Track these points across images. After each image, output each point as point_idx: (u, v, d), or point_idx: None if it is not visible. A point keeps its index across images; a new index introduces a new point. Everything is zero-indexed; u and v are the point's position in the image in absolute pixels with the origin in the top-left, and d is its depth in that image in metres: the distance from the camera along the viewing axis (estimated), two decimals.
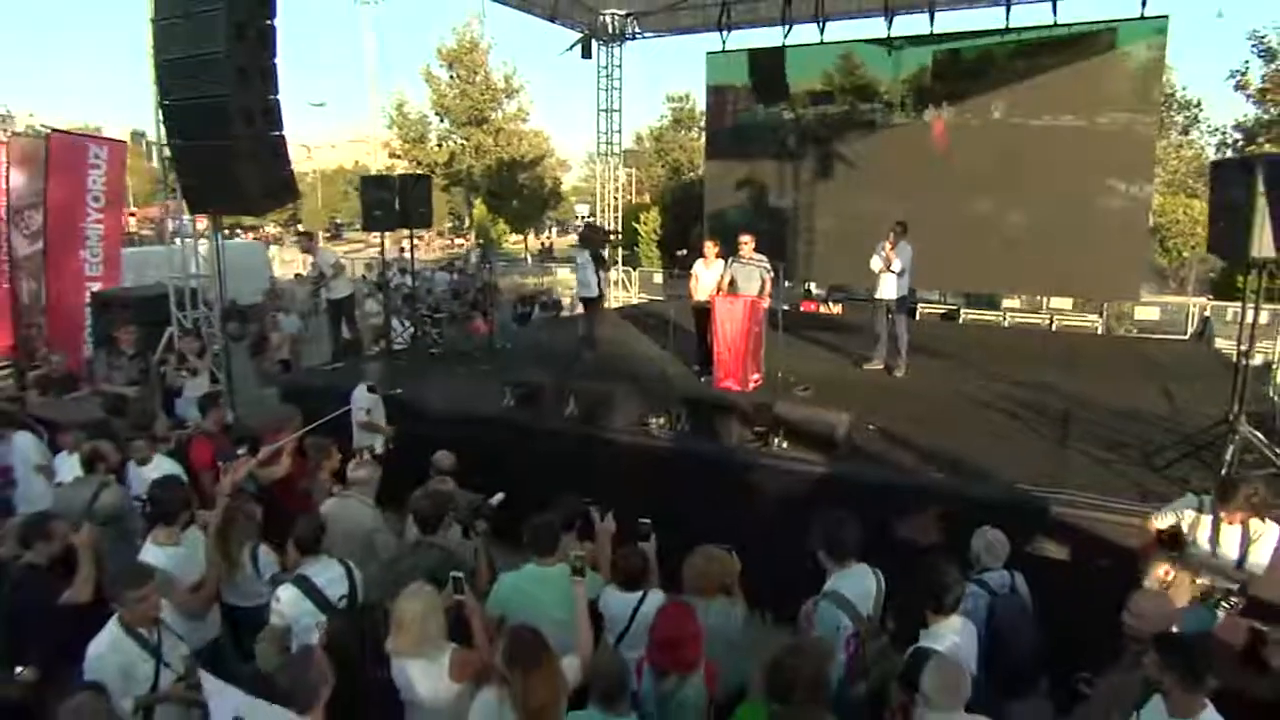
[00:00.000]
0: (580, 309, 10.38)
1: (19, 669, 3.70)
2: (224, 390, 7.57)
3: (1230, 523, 3.85)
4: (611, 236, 10.13)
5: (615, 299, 16.73)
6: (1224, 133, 20.35)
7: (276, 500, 5.33)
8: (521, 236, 34.34)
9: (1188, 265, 21.12)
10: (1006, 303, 15.44)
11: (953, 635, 3.32)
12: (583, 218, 66.87)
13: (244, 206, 8.82)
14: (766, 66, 13.54)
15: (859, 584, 3.79)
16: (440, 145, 27.92)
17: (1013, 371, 8.78)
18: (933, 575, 3.43)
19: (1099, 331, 14.29)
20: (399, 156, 28.29)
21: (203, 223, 9.66)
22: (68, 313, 11.28)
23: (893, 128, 12.83)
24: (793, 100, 13.55)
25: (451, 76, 27.35)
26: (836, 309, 14.90)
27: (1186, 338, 13.93)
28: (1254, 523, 3.83)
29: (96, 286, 11.49)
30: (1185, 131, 21.42)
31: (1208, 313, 14.57)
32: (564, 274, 25.10)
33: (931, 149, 12.41)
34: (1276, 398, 7.43)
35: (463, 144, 27.60)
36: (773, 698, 3.08)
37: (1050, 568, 4.77)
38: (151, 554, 4.13)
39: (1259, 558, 3.76)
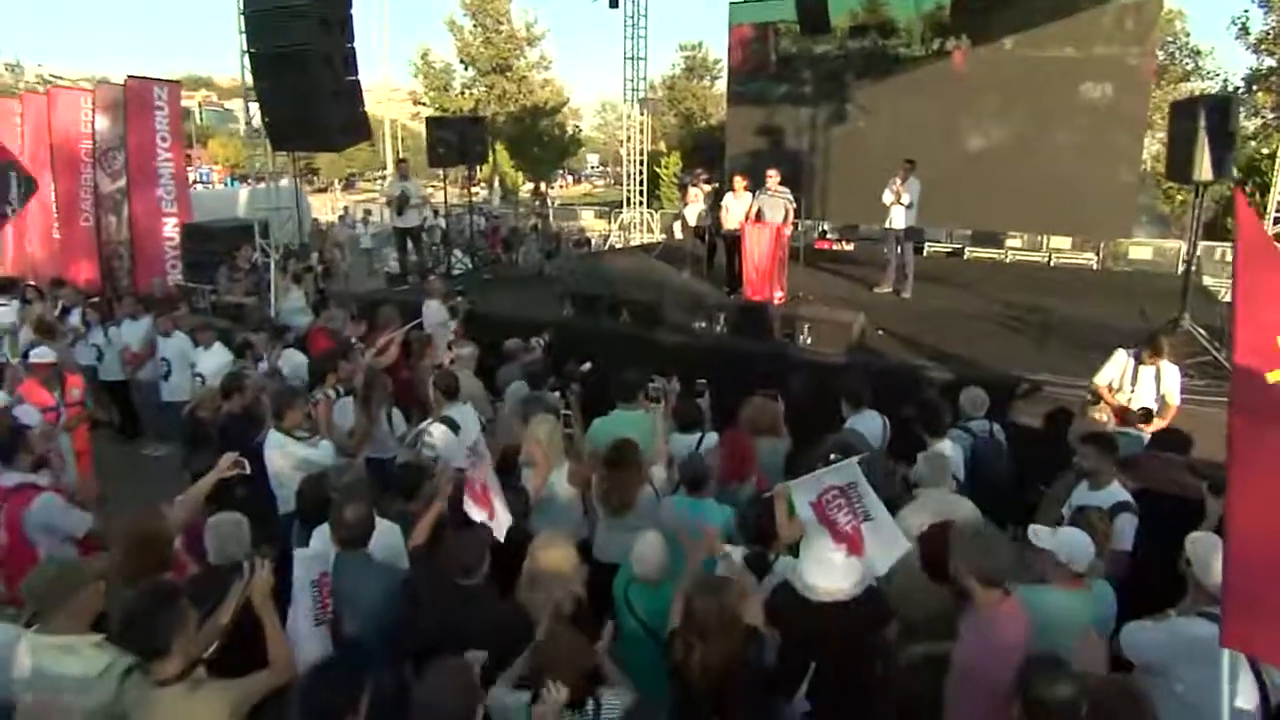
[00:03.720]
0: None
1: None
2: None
3: (1148, 365, 5.12)
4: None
5: (640, 239, 17.75)
6: (1225, 79, 20.80)
7: None
8: (539, 183, 35.05)
9: (1188, 211, 21.80)
10: (1009, 242, 16.29)
11: (942, 448, 4.47)
12: (594, 166, 67.00)
13: (324, 143, 9.86)
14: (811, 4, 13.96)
15: (871, 424, 4.97)
16: (464, 93, 28.52)
17: (1007, 295, 9.85)
18: (928, 405, 4.58)
19: (1094, 268, 15.20)
20: (424, 104, 28.89)
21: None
22: (151, 243, 12.42)
23: (913, 62, 13.36)
24: (829, 37, 13.85)
25: (475, 25, 27.86)
26: (849, 246, 15.78)
27: (1178, 275, 14.81)
28: (1162, 364, 5.11)
29: (174, 221, 12.61)
30: (1186, 79, 21.81)
31: (1198, 252, 15.35)
32: (588, 217, 26.05)
33: (948, 82, 13.01)
34: None
35: (486, 91, 28.21)
36: None
37: (1022, 426, 5.90)
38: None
39: (1167, 387, 5.11)
